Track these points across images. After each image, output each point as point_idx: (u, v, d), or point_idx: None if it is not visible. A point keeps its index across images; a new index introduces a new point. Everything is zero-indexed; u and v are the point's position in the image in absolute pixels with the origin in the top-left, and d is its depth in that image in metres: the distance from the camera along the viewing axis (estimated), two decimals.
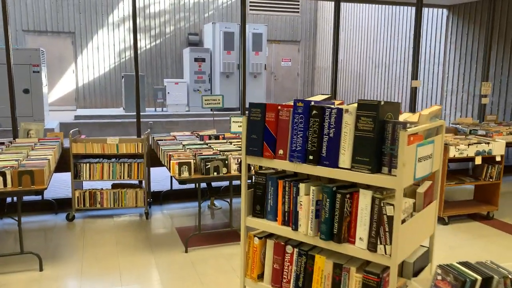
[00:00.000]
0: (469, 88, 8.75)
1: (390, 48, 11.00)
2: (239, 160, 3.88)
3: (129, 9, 12.85)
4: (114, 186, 4.92)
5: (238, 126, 4.18)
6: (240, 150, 4.21)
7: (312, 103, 2.00)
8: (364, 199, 1.85)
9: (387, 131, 1.80)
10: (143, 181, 4.87)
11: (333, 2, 6.13)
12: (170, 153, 4.10)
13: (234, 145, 4.55)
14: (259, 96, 12.21)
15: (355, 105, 1.88)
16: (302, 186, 2.04)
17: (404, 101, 10.65)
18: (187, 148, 4.35)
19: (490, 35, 6.68)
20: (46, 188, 3.31)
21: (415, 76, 6.41)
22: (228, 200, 4.63)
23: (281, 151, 2.09)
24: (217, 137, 4.87)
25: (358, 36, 12.28)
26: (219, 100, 5.28)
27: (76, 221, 4.73)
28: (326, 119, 1.93)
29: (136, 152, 4.70)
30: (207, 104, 5.26)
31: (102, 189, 4.79)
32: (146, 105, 12.00)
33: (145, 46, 13.12)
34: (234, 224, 4.43)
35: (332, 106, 1.93)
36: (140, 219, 4.81)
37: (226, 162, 3.86)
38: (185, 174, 3.76)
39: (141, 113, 11.52)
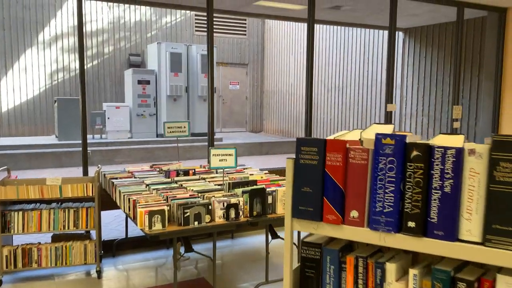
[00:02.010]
0: (429, 112, 8.61)
1: (342, 72, 10.77)
2: (224, 204, 3.10)
3: (62, 26, 11.64)
4: (55, 238, 3.89)
5: (219, 161, 3.41)
6: (222, 190, 3.43)
7: (407, 139, 1.31)
8: None
9: None
10: (93, 231, 3.90)
11: (305, 24, 5.62)
12: (133, 197, 3.22)
13: (211, 182, 3.75)
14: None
15: (486, 144, 1.22)
16: (391, 267, 1.33)
17: (359, 126, 10.39)
18: (153, 189, 3.49)
19: (459, 58, 6.50)
20: None
21: (390, 99, 6.01)
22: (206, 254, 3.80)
23: (354, 213, 1.37)
24: (186, 173, 4.05)
25: None
26: (184, 127, 4.48)
27: (4, 286, 3.64)
28: (437, 165, 1.25)
29: (85, 195, 3.74)
30: (170, 132, 4.44)
31: (39, 243, 3.76)
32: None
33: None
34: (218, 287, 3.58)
35: (447, 146, 1.25)
36: (90, 279, 3.82)
37: (209, 207, 3.06)
38: (158, 226, 2.90)
39: (76, 141, 10.29)
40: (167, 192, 3.38)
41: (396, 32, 9.20)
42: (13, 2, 11.10)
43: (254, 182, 3.55)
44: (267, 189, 3.32)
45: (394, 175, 1.30)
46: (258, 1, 6.68)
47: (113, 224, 5.44)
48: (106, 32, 12.13)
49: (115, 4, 12.11)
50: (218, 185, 3.65)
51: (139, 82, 10.96)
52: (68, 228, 3.74)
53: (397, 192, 1.30)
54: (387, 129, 1.56)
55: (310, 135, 5.55)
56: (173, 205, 3.07)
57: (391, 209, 1.31)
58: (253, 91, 14.53)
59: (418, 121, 8.83)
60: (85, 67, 4.50)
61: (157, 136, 11.21)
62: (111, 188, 3.89)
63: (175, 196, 3.22)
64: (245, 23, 14.05)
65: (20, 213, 3.64)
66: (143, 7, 12.48)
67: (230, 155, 3.49)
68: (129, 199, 3.26)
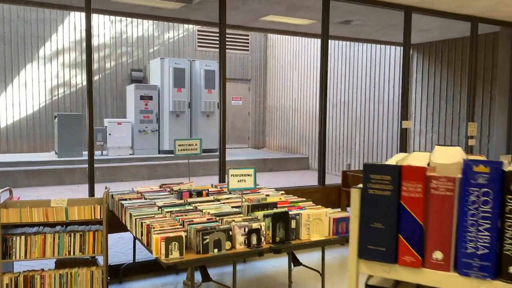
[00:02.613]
0: (438, 129, 8.44)
1: (348, 87, 10.62)
2: (246, 230, 2.87)
3: (63, 41, 11.49)
4: (59, 264, 3.63)
5: (238, 181, 3.19)
6: (241, 213, 3.20)
7: (505, 167, 1.10)
8: None
9: None
10: (100, 256, 3.65)
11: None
12: (147, 222, 2.99)
13: (226, 203, 3.52)
14: (213, 136, 11.21)
15: None
16: None
17: (365, 142, 10.20)
18: (167, 212, 3.26)
19: (474, 75, 6.34)
20: None
21: (405, 116, 5.83)
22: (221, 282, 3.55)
23: (437, 255, 1.15)
24: (199, 193, 3.82)
25: (313, 74, 11.86)
26: (196, 145, 4.26)
27: None
28: None
29: (93, 218, 3.50)
30: (181, 150, 4.22)
31: (43, 270, 3.50)
32: (83, 147, 10.50)
33: (82, 83, 11.74)
34: None
35: None
36: None
37: (230, 233, 2.82)
38: (175, 255, 2.66)
39: (77, 158, 10.05)
40: (182, 215, 3.15)
41: (402, 48, 9.10)
42: (14, 17, 10.96)
43: (274, 205, 3.33)
44: (289, 212, 3.10)
45: (489, 209, 1.09)
46: (266, 16, 6.55)
47: (117, 247, 5.18)
48: (108, 47, 11.98)
49: (117, 19, 11.99)
50: (235, 207, 3.42)
51: (142, 97, 10.76)
52: (74, 253, 3.49)
53: (494, 231, 1.08)
54: (455, 152, 1.35)
55: (324, 155, 5.33)
56: (191, 230, 2.83)
57: (487, 250, 1.09)
58: (255, 106, 14.37)
59: (427, 138, 8.65)
60: (93, 81, 4.31)
61: (159, 153, 10.97)
62: (119, 210, 3.66)
63: (192, 221, 2.99)
64: (248, 39, 13.96)
65: (23, 237, 3.39)
66: (145, 22, 12.37)
67: (249, 175, 3.27)
68: (141, 223, 3.03)
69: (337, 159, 10.84)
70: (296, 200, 3.69)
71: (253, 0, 5.50)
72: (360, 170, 5.41)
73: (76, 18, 11.57)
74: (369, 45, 9.82)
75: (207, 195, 3.84)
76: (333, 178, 7.29)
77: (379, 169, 1.21)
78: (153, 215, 3.20)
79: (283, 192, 4.05)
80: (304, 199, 3.74)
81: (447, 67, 8.21)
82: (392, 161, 1.39)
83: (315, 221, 3.10)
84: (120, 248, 5.14)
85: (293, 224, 3.04)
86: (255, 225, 2.90)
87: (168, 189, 4.10)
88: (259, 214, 3.08)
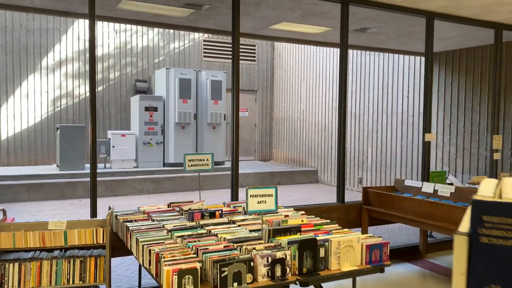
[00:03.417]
0: (456, 141, 8.07)
1: (359, 98, 10.28)
2: (269, 260, 2.50)
3: (66, 51, 11.23)
4: None
5: (258, 203, 2.83)
6: (261, 239, 2.84)
7: None
8: None
9: None
10: (103, 285, 3.28)
11: (338, 49, 5.15)
12: (155, 249, 2.63)
13: (243, 226, 3.16)
14: (219, 149, 10.89)
15: None
16: None
17: (378, 155, 9.84)
18: (177, 237, 2.90)
19: (499, 84, 6.00)
20: None
21: (428, 128, 5.48)
22: None
23: None
24: (212, 214, 3.45)
25: (322, 84, 11.55)
26: (207, 160, 3.91)
27: None
28: None
29: (95, 242, 3.14)
30: (191, 166, 3.87)
31: None
32: (86, 160, 10.17)
33: (85, 94, 11.46)
34: None
35: None
36: None
37: (251, 264, 2.46)
38: None
39: (79, 171, 9.72)
40: (195, 241, 2.79)
41: (419, 58, 8.79)
42: (17, 26, 10.73)
43: (298, 229, 2.96)
44: (315, 236, 2.74)
45: None
46: (278, 23, 6.24)
47: (120, 269, 4.81)
48: (112, 57, 11.72)
49: (121, 28, 11.75)
50: (253, 230, 3.06)
51: (146, 108, 10.46)
52: (73, 282, 3.13)
53: None
54: None
55: (343, 171, 4.97)
56: (206, 260, 2.47)
57: None
58: (262, 118, 14.06)
59: (444, 151, 8.28)
60: (96, 91, 3.99)
61: (164, 166, 10.63)
62: (124, 232, 3.30)
63: (207, 249, 2.63)
64: (255, 49, 13.70)
65: (16, 264, 3.03)
66: (150, 32, 12.13)
67: (269, 195, 2.92)
68: (150, 250, 2.67)
69: (347, 172, 10.46)
70: (320, 223, 3.33)
71: (266, 5, 5.20)
72: (381, 187, 5.05)
73: (80, 28, 11.33)
74: (380, 54, 9.51)
75: (221, 216, 3.48)
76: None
77: (498, 209, 0.86)
78: (162, 241, 2.84)
79: (303, 212, 3.69)
80: (329, 221, 3.38)
81: (465, 77, 7.87)
82: (486, 190, 1.04)
83: (346, 248, 2.73)
84: (124, 270, 4.77)
85: (321, 252, 2.68)
86: (279, 254, 2.54)
87: (177, 209, 3.74)
88: (283, 240, 2.72)
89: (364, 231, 4.82)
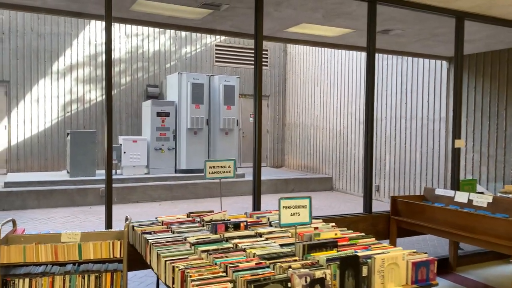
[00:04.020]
0: (481, 148, 7.75)
1: (376, 103, 9.99)
2: (307, 280, 2.24)
3: (78, 56, 11.09)
4: None
5: (291, 215, 2.58)
6: (294, 255, 2.57)
7: None
8: None
9: None
10: None
11: (364, 52, 4.91)
12: (180, 266, 2.38)
13: (271, 240, 2.89)
14: (232, 155, 10.64)
15: None
16: None
17: (396, 162, 9.53)
18: (202, 252, 2.64)
19: None
20: None
21: (458, 134, 5.19)
22: None
23: None
24: (236, 225, 3.20)
25: (337, 89, 11.28)
26: (229, 167, 3.67)
27: None
28: None
29: (111, 256, 2.90)
30: (212, 173, 3.63)
31: None
32: (97, 167, 9.97)
33: (96, 99, 11.30)
34: None
35: None
36: None
37: (288, 284, 2.20)
38: None
39: (90, 178, 9.52)
40: (222, 257, 2.53)
41: (440, 62, 8.50)
42: (28, 30, 10.61)
43: (335, 244, 2.70)
44: (356, 253, 2.48)
45: None
46: (298, 24, 6.00)
47: (134, 281, 4.56)
48: (124, 62, 11.56)
49: (133, 33, 11.60)
50: (283, 245, 2.80)
51: (158, 114, 10.25)
52: None
53: None
54: None
55: (371, 179, 4.69)
56: (238, 280, 2.22)
57: None
58: (274, 124, 13.82)
59: (468, 158, 7.96)
60: (113, 95, 3.77)
61: (176, 172, 10.40)
62: (143, 245, 3.05)
63: (237, 266, 2.37)
64: (267, 54, 13.49)
65: (27, 280, 2.80)
66: (162, 37, 11.96)
67: (303, 207, 2.66)
68: (173, 267, 2.42)
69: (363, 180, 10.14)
70: (354, 236, 3.06)
71: (288, 5, 4.96)
72: (411, 196, 4.76)
73: (91, 32, 11.20)
74: (399, 57, 9.24)
75: (246, 228, 3.22)
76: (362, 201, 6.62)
77: None
78: (186, 256, 2.59)
79: (333, 224, 3.42)
80: (364, 234, 3.11)
81: (490, 81, 7.57)
82: None
83: (390, 266, 2.46)
84: (138, 283, 4.52)
85: (364, 271, 2.41)
86: (318, 274, 2.28)
87: (198, 219, 3.49)
88: (320, 257, 2.45)
89: (393, 243, 4.53)
